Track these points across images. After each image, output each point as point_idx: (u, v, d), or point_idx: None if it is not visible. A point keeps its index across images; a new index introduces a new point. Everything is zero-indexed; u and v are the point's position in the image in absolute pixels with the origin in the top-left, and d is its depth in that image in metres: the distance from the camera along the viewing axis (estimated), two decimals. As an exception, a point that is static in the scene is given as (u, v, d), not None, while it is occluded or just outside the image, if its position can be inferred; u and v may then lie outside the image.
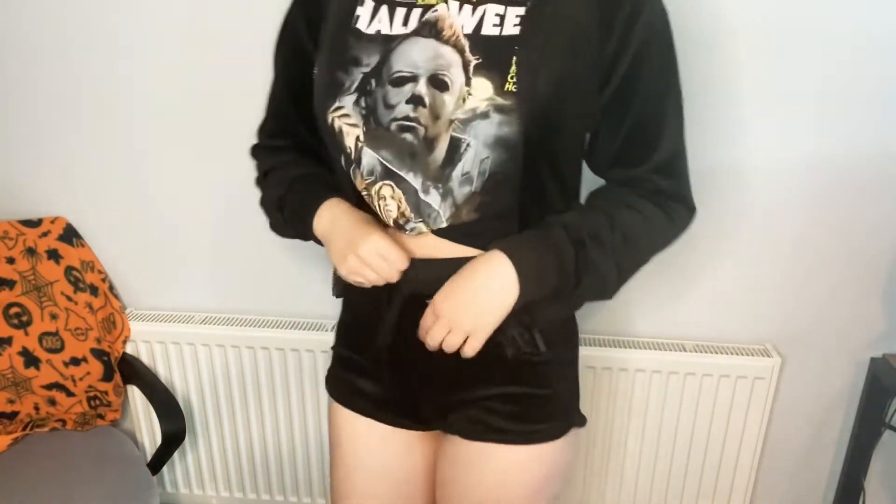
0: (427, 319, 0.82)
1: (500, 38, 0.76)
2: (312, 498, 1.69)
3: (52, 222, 1.53)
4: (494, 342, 0.83)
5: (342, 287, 0.98)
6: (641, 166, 0.86)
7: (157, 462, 1.51)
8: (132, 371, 1.55)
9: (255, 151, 1.07)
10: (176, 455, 1.64)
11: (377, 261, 0.82)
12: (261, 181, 1.04)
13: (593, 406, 1.50)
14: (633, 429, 1.51)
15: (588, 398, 1.49)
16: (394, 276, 0.83)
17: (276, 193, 0.97)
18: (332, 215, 0.88)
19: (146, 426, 1.64)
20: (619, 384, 1.47)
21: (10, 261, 1.48)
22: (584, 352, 1.44)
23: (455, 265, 0.82)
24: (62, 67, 1.43)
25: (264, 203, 1.02)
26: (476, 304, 0.79)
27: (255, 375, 1.57)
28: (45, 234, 1.52)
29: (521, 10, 0.77)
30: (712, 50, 1.28)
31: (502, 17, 0.77)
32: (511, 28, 0.76)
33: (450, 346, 0.81)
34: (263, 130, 1.05)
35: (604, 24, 0.78)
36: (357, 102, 0.80)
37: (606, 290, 0.86)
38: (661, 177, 0.87)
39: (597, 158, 0.90)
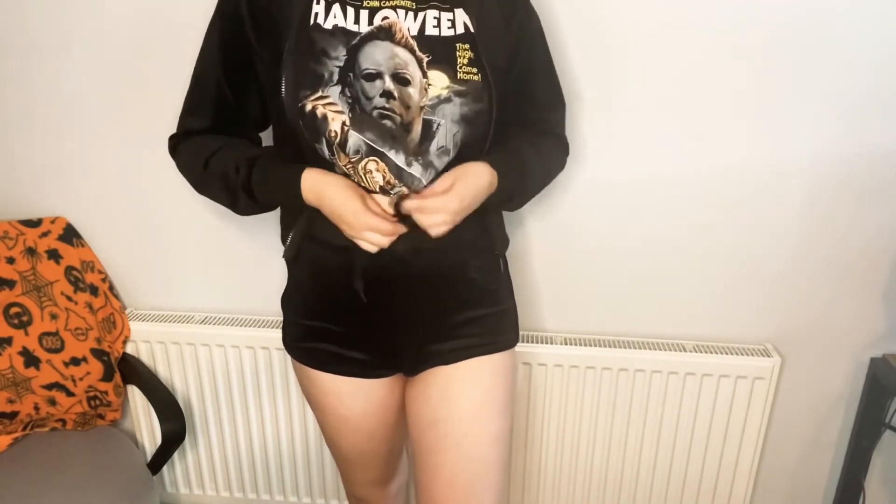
0: (430, 208, 0.95)
1: (441, 37, 0.97)
2: (312, 498, 1.70)
3: (52, 222, 1.53)
4: (466, 275, 1.08)
5: (296, 251, 1.08)
6: (540, 121, 1.15)
7: (157, 462, 1.51)
8: (132, 371, 1.55)
9: (181, 138, 1.10)
10: (176, 455, 1.64)
11: (369, 237, 0.96)
12: (201, 171, 1.06)
13: (594, 406, 1.50)
14: (634, 428, 1.51)
15: (589, 398, 1.49)
16: (389, 239, 0.97)
17: (235, 182, 1.03)
18: (314, 188, 0.98)
19: (146, 426, 1.64)
20: (620, 384, 1.47)
21: (10, 261, 1.48)
22: (584, 352, 1.46)
23: None
24: (62, 67, 1.43)
25: (214, 192, 1.08)
26: (472, 203, 0.99)
27: (255, 375, 1.57)
28: (45, 234, 1.52)
29: (451, 15, 0.98)
30: (713, 51, 1.28)
31: (438, 20, 0.98)
32: (446, 30, 0.98)
33: (437, 232, 0.97)
34: (190, 114, 1.09)
35: (506, 24, 1.03)
36: (343, 93, 0.95)
37: (520, 202, 1.14)
38: (555, 125, 1.18)
39: (503, 124, 1.10)
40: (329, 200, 0.96)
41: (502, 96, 1.01)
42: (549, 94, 1.15)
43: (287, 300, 1.17)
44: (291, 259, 1.13)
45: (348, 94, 0.95)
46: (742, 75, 1.29)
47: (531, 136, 1.12)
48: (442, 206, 0.94)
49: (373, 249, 0.97)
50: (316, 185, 0.97)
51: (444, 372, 1.09)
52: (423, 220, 0.95)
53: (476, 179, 0.97)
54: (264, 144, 1.15)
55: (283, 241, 1.13)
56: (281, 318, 1.45)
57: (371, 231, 0.94)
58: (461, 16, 0.98)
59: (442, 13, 0.98)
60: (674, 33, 1.28)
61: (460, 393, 1.08)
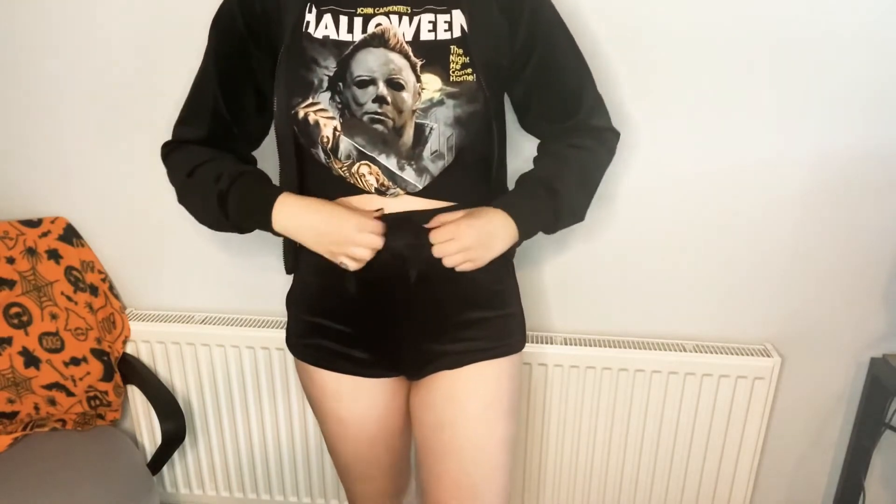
0: (443, 235, 0.98)
1: (435, 41, 0.95)
2: (312, 498, 1.70)
3: (52, 222, 1.53)
4: (469, 274, 1.04)
5: (294, 259, 1.12)
6: (576, 116, 1.09)
7: (157, 462, 1.51)
8: (132, 371, 1.55)
9: (173, 146, 1.11)
10: (176, 455, 1.64)
11: (364, 250, 0.97)
12: (184, 179, 1.07)
13: (594, 406, 1.50)
14: (634, 428, 1.51)
15: (590, 398, 1.49)
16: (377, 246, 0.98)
17: (212, 190, 1.03)
18: (290, 213, 0.99)
19: (146, 426, 1.64)
20: (620, 384, 1.47)
21: (10, 261, 1.48)
22: (585, 352, 1.46)
23: (428, 216, 1.02)
24: (61, 68, 1.43)
25: (191, 199, 1.08)
26: (488, 242, 1.00)
27: (255, 375, 1.57)
28: (45, 234, 1.52)
29: (448, 17, 0.96)
30: (714, 51, 1.28)
31: (434, 24, 0.96)
32: (443, 33, 0.96)
33: (451, 262, 0.99)
34: (185, 124, 1.10)
35: (511, 26, 1.00)
36: (332, 99, 0.95)
37: (578, 215, 1.11)
38: (592, 118, 1.11)
39: (535, 122, 1.14)
40: (320, 223, 0.98)
41: (499, 97, 1.00)
42: (578, 88, 1.09)
43: (291, 297, 1.17)
44: (290, 270, 1.14)
45: (338, 100, 0.95)
46: (742, 77, 1.29)
47: (564, 144, 1.09)
48: (454, 231, 0.97)
49: (353, 266, 0.98)
50: (297, 212, 0.99)
51: (449, 376, 1.08)
52: (438, 249, 0.98)
53: (488, 217, 1.00)
54: (259, 160, 1.16)
55: (285, 256, 1.14)
56: (280, 318, 1.45)
57: (372, 233, 0.96)
58: (458, 17, 0.97)
59: (438, 16, 0.96)
60: (675, 39, 1.28)
61: (465, 397, 1.07)
